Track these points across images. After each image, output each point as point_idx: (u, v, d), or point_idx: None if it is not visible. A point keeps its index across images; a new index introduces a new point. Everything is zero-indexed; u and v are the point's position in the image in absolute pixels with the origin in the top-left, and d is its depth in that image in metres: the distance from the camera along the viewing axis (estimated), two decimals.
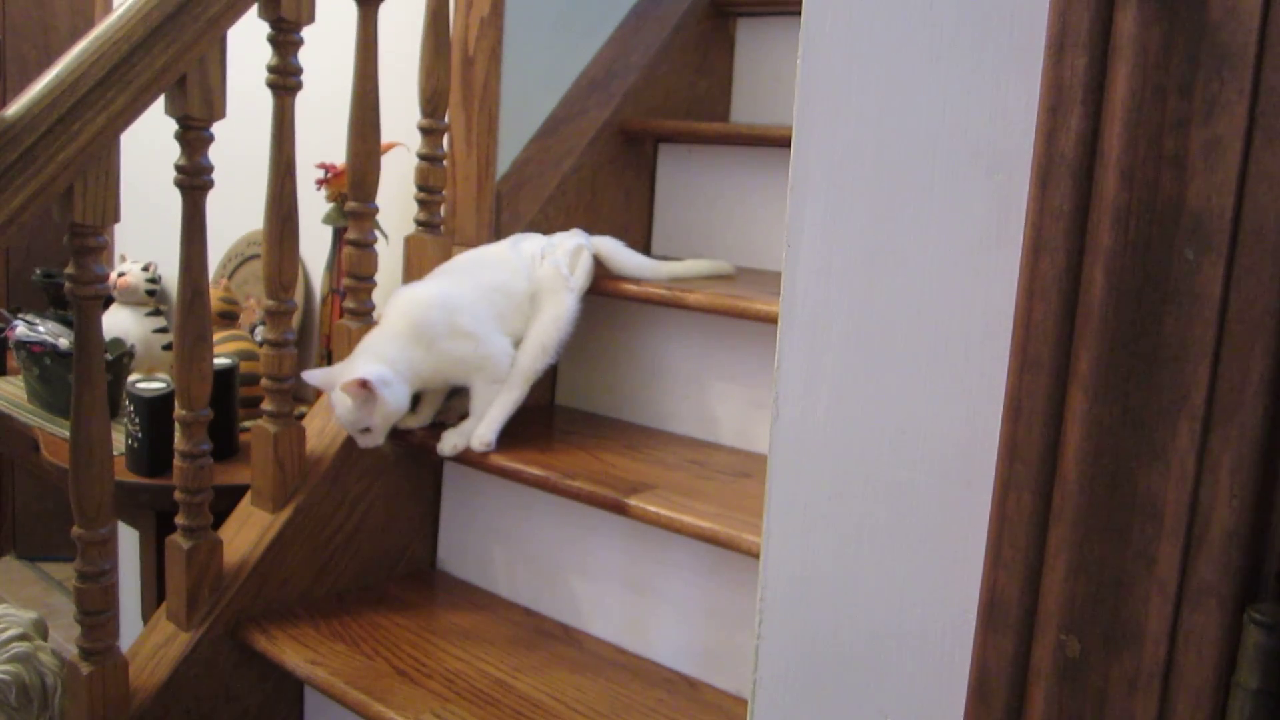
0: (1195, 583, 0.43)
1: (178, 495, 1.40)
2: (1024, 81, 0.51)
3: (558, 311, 1.50)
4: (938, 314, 0.54)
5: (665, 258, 1.84)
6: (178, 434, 1.40)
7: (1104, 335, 0.44)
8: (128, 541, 1.82)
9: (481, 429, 1.46)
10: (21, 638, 1.48)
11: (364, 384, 1.38)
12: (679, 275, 1.60)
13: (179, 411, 1.39)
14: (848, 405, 0.57)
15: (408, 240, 1.60)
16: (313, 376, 1.46)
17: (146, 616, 1.62)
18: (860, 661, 0.57)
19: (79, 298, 1.28)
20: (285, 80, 1.41)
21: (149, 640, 1.44)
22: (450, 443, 1.46)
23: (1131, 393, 0.44)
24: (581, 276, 1.54)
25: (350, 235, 1.53)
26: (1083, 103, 0.46)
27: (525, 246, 1.54)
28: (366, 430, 1.43)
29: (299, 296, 1.55)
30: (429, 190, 1.59)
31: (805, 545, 0.59)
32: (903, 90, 0.55)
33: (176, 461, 1.40)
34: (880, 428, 0.56)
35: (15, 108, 1.21)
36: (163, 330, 1.92)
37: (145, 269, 1.93)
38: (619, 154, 1.79)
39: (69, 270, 1.28)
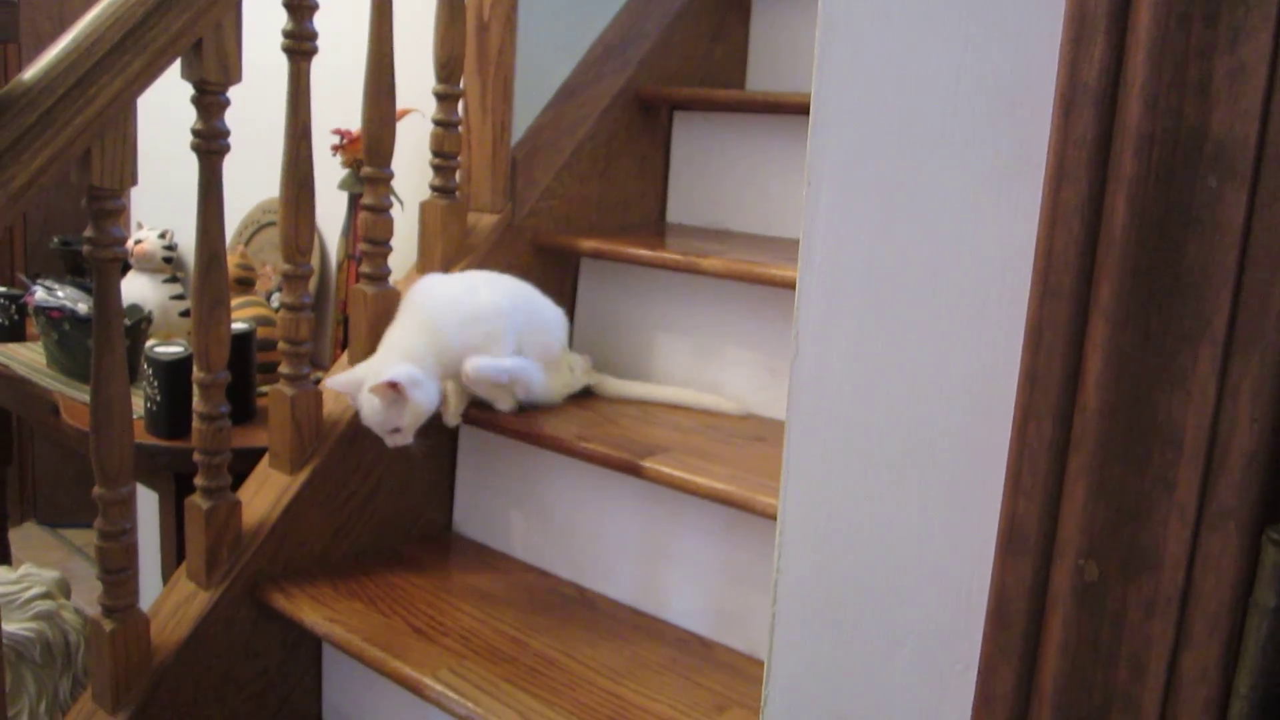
0: (1214, 506, 0.43)
1: (197, 457, 1.42)
2: (1046, 14, 0.51)
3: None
4: (958, 249, 0.54)
5: (680, 225, 1.84)
6: (196, 396, 1.41)
7: (1125, 263, 0.45)
8: (147, 505, 1.84)
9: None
10: (44, 596, 1.51)
11: (394, 385, 1.36)
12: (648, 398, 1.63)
13: (197, 374, 1.40)
14: (868, 341, 0.57)
15: (423, 206, 1.61)
16: (337, 382, 1.43)
17: (166, 578, 1.64)
18: (878, 593, 0.58)
19: (98, 260, 1.29)
20: (301, 45, 1.41)
21: (169, 599, 1.46)
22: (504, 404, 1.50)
23: (1153, 319, 0.44)
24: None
25: (366, 200, 1.53)
26: (1106, 31, 0.46)
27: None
28: (396, 430, 1.41)
29: (314, 263, 1.55)
30: (444, 156, 1.59)
31: (825, 479, 0.59)
32: (923, 25, 0.55)
33: (195, 423, 1.41)
34: (900, 362, 0.56)
35: (33, 71, 1.21)
36: (179, 297, 1.93)
37: (162, 236, 1.94)
38: (634, 121, 1.79)
39: (88, 233, 1.29)
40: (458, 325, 1.45)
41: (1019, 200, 0.52)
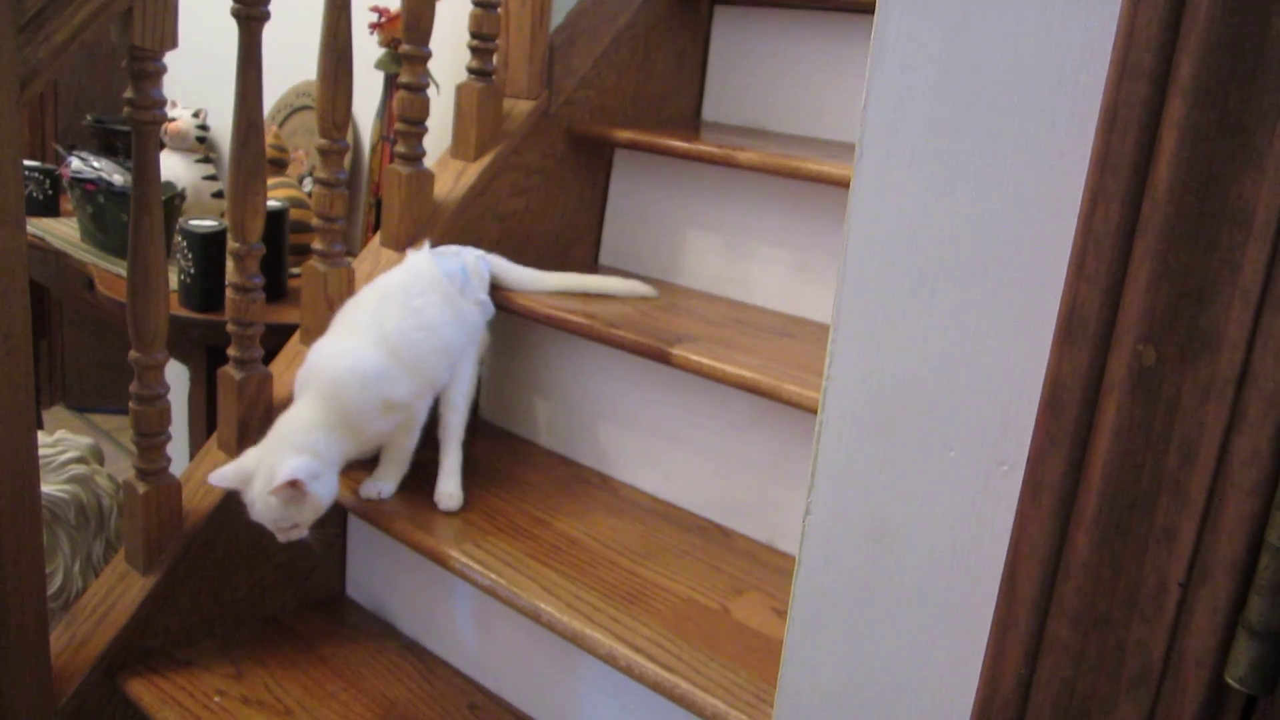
0: (1278, 288, 0.43)
1: (230, 328, 1.43)
2: None
3: (473, 334, 1.44)
4: (1033, 41, 0.52)
5: (716, 123, 1.82)
6: (230, 268, 1.43)
7: (1208, 39, 0.44)
8: (174, 383, 1.86)
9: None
10: (79, 460, 1.54)
11: (295, 484, 1.23)
12: (563, 288, 1.55)
13: (232, 245, 1.41)
14: (935, 141, 0.56)
15: (459, 88, 1.59)
16: (221, 477, 1.28)
17: (193, 453, 1.67)
18: (929, 395, 0.58)
19: (137, 122, 1.30)
20: None
21: (200, 468, 1.49)
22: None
23: (1231, 97, 0.44)
24: (484, 289, 1.47)
25: (403, 79, 1.52)
26: None
27: (439, 266, 1.42)
28: (294, 526, 1.28)
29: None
30: (482, 38, 1.57)
31: (881, 282, 0.59)
32: None
33: (229, 294, 1.43)
34: (965, 166, 0.55)
35: None
36: (212, 178, 1.93)
37: (195, 115, 1.94)
38: (674, 13, 1.76)
39: (127, 94, 1.29)
40: (367, 411, 1.32)
41: None
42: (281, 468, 1.23)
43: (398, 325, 1.34)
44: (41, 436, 1.60)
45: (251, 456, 1.28)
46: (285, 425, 1.30)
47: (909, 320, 0.59)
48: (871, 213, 0.59)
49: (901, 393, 0.59)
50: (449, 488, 1.39)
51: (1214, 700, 0.46)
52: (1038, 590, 0.50)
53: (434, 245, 1.54)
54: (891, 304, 0.59)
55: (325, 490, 1.28)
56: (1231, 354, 0.44)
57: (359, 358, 1.32)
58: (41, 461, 1.54)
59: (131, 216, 1.31)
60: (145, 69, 1.28)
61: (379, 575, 1.57)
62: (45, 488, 1.51)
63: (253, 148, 1.38)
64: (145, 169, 1.31)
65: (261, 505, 1.26)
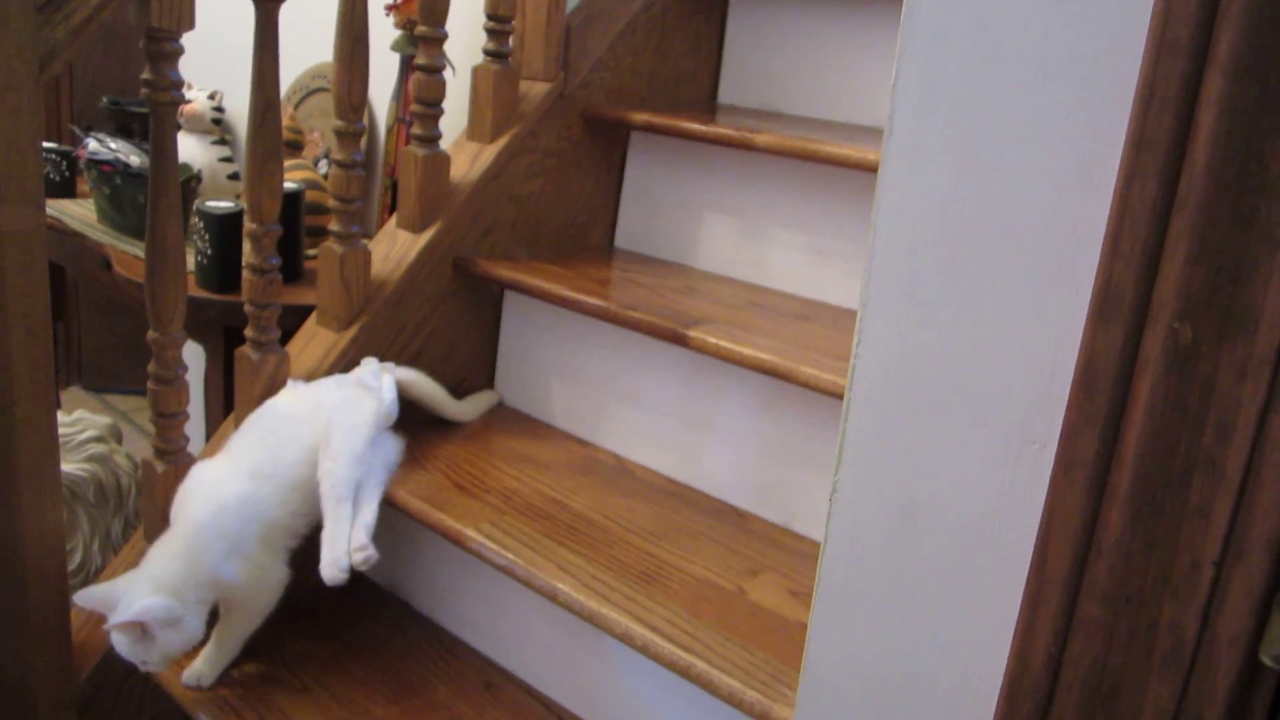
0: None
1: (247, 309, 1.44)
2: None
3: (359, 416, 1.35)
4: (1066, 21, 0.52)
5: (732, 106, 1.82)
6: (247, 249, 1.43)
7: (1247, 14, 0.43)
8: (192, 363, 1.87)
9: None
10: (98, 440, 1.55)
11: (139, 626, 1.18)
12: (473, 412, 1.58)
13: (249, 225, 1.42)
14: (966, 121, 0.56)
15: (475, 71, 1.59)
16: (89, 598, 1.22)
17: (209, 436, 1.68)
18: (959, 374, 0.58)
19: (155, 103, 1.30)
20: None
21: (217, 447, 1.49)
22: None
23: (1271, 73, 0.43)
24: (389, 390, 1.40)
25: (419, 60, 1.52)
26: None
27: (319, 393, 1.38)
28: (144, 663, 1.22)
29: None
30: (498, 19, 1.57)
31: (911, 263, 0.59)
32: None
33: (246, 275, 1.43)
34: (997, 144, 0.55)
35: None
36: (228, 160, 1.93)
37: (211, 97, 1.94)
38: None
39: (145, 75, 1.29)
40: (222, 554, 1.25)
41: None
42: (134, 604, 1.17)
43: (257, 441, 1.33)
44: (60, 416, 1.61)
45: (125, 579, 1.23)
46: (153, 553, 1.25)
47: (939, 298, 0.59)
48: (901, 190, 0.59)
49: (931, 371, 0.59)
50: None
51: (1247, 679, 0.46)
52: (1069, 568, 0.51)
53: (447, 228, 1.54)
54: (921, 282, 0.59)
55: (179, 639, 1.21)
56: (1269, 332, 0.44)
57: (222, 481, 1.28)
58: (60, 440, 1.55)
59: (149, 197, 1.32)
60: (163, 50, 1.28)
61: (394, 554, 1.58)
62: (65, 466, 1.52)
63: (270, 129, 1.38)
64: (163, 149, 1.31)
65: (115, 636, 1.20)
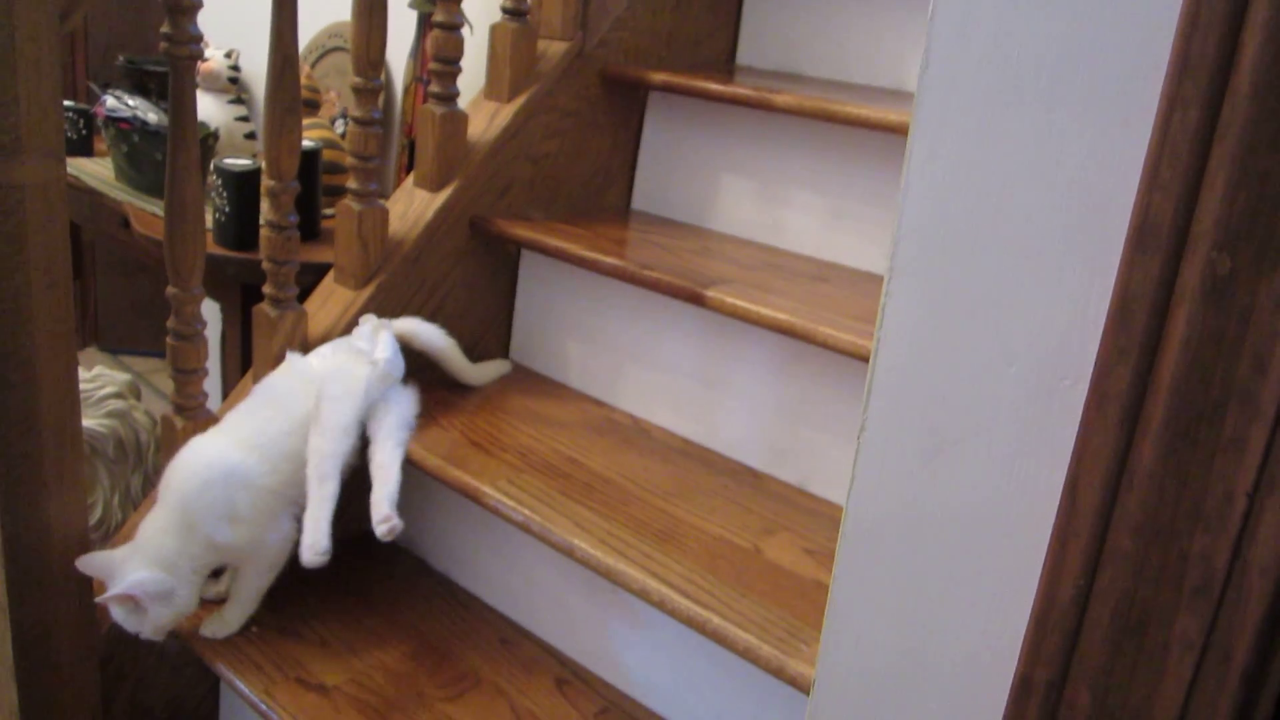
0: None
1: (265, 265, 1.44)
2: None
3: (348, 384, 1.33)
4: None
5: (750, 68, 1.80)
6: (265, 205, 1.43)
7: None
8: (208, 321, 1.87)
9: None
10: (117, 395, 1.56)
11: (130, 599, 1.22)
12: (482, 377, 1.55)
13: (267, 182, 1.42)
14: (1000, 51, 0.55)
15: (493, 29, 1.58)
16: (90, 565, 1.25)
17: (226, 394, 1.69)
18: (989, 311, 0.57)
19: (174, 57, 1.30)
20: None
21: (235, 405, 1.50)
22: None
23: None
24: (385, 349, 1.37)
25: (438, 18, 1.51)
26: None
27: (313, 362, 1.37)
28: (138, 634, 1.26)
29: None
30: None
31: (945, 200, 0.58)
32: None
33: (264, 232, 1.43)
34: (1031, 76, 0.54)
35: None
36: (244, 119, 1.93)
37: (228, 56, 1.93)
38: None
39: (165, 29, 1.29)
40: (218, 520, 1.26)
41: None
42: (127, 578, 1.21)
43: (248, 413, 1.33)
44: (80, 372, 1.62)
45: (122, 551, 1.26)
46: (144, 527, 1.27)
47: (970, 230, 0.58)
48: (937, 123, 0.58)
49: (963, 307, 0.59)
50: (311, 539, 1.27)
51: (1277, 610, 0.46)
52: (1100, 501, 0.51)
53: (465, 187, 1.54)
54: (955, 219, 0.59)
55: (169, 610, 1.24)
56: None
57: (212, 451, 1.29)
58: (81, 396, 1.56)
59: (169, 152, 1.32)
60: (181, 4, 1.27)
61: (410, 512, 1.59)
62: (85, 421, 1.52)
63: (288, 84, 1.37)
64: (182, 105, 1.31)
65: (110, 607, 1.24)
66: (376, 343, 1.39)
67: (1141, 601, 0.50)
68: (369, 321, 1.43)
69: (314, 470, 1.30)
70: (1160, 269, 0.47)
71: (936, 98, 0.57)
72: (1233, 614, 0.47)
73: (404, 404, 1.40)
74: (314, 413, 1.32)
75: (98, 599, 1.24)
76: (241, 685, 1.28)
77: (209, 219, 1.64)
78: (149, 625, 1.24)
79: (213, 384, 1.96)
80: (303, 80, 1.80)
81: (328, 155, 1.73)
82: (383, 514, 1.28)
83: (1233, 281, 0.45)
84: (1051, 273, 0.55)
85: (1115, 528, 0.50)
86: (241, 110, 1.93)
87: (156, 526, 1.26)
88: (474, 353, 1.65)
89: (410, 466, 1.38)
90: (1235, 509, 0.47)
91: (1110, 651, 0.51)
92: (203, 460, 1.28)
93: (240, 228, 1.60)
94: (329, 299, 1.53)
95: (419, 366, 1.49)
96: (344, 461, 1.32)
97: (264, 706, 1.26)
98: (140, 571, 1.22)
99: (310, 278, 1.55)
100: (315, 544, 1.25)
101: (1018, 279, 0.56)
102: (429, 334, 1.48)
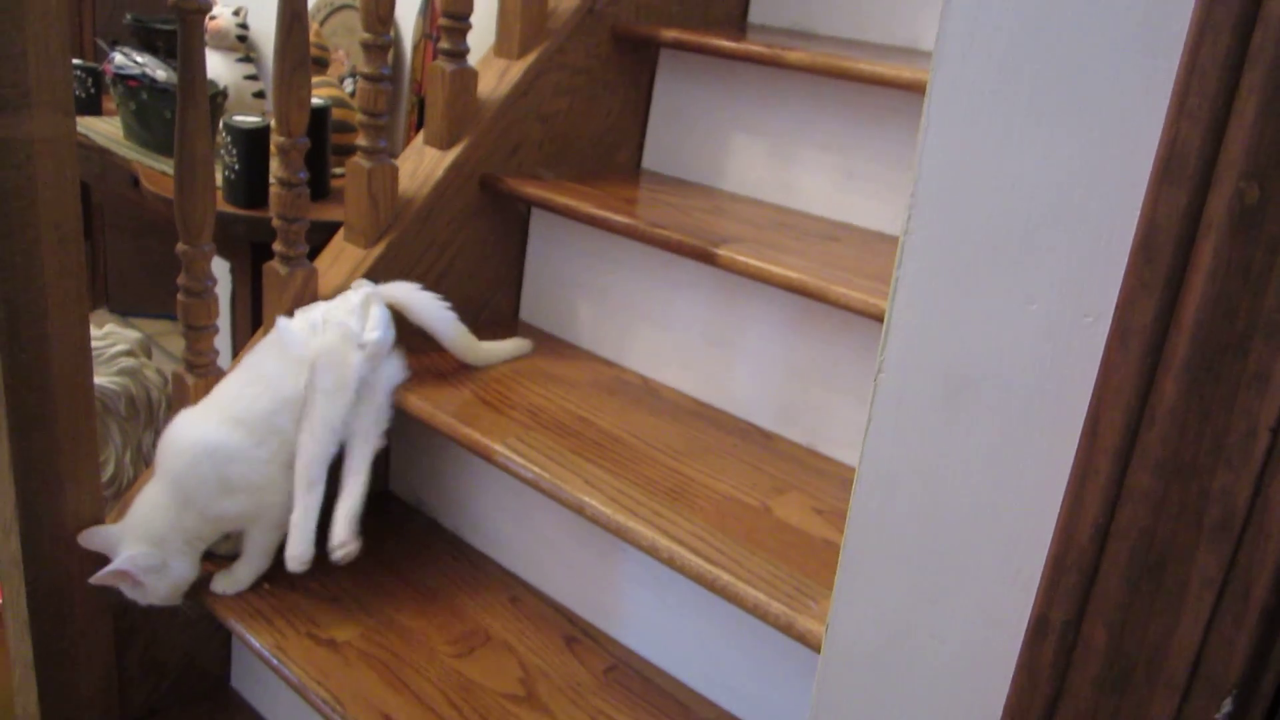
0: None
1: (275, 223, 1.43)
2: None
3: (340, 374, 1.30)
4: None
5: (762, 25, 1.78)
6: (275, 162, 1.42)
7: None
8: (219, 279, 1.87)
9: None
10: (128, 354, 1.56)
11: (125, 575, 1.25)
12: (488, 358, 1.49)
13: (277, 139, 1.41)
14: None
15: None
16: (92, 539, 1.28)
17: (235, 352, 1.69)
18: (1009, 248, 0.57)
19: (183, 11, 1.28)
20: None
21: None
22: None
23: None
24: (376, 328, 1.33)
25: None
26: None
27: (302, 331, 1.32)
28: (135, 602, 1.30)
29: None
30: None
31: (966, 130, 0.57)
32: None
33: (274, 189, 1.42)
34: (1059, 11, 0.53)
35: None
36: (253, 78, 1.92)
37: (236, 13, 1.92)
38: None
39: None
40: (212, 495, 1.28)
41: None
42: (121, 553, 1.25)
43: (237, 388, 1.32)
44: (91, 330, 1.62)
45: (119, 527, 1.29)
46: (138, 502, 1.29)
47: (993, 168, 0.58)
48: (960, 58, 0.57)
49: (982, 244, 0.58)
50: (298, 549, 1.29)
51: None
52: (1120, 438, 0.50)
53: (475, 145, 1.53)
54: (976, 151, 0.58)
55: (166, 582, 1.27)
56: None
57: (199, 426, 1.29)
58: (92, 354, 1.56)
59: (178, 108, 1.31)
60: None
61: (419, 470, 1.59)
62: (96, 379, 1.53)
63: (297, 39, 1.36)
64: (191, 60, 1.30)
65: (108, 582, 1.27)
66: (366, 319, 1.34)
67: (1161, 539, 0.50)
68: (360, 288, 1.38)
69: (300, 471, 1.30)
70: (1187, 200, 0.46)
71: (960, 34, 0.56)
72: (1253, 551, 0.47)
73: (386, 383, 1.36)
74: (305, 400, 1.30)
75: (90, 579, 1.27)
76: (253, 640, 1.29)
77: (218, 177, 1.63)
78: (149, 596, 1.28)
79: (223, 341, 1.96)
80: (311, 38, 1.78)
81: (337, 114, 1.72)
82: (340, 539, 1.28)
83: (1261, 211, 0.45)
84: (1074, 207, 0.54)
85: (1135, 465, 0.50)
86: (250, 69, 1.92)
87: (149, 502, 1.29)
88: (484, 313, 1.65)
89: (420, 425, 1.38)
90: (1258, 445, 0.46)
91: (1128, 590, 0.51)
92: (189, 438, 1.29)
93: (250, 185, 1.60)
94: (339, 257, 1.52)
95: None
96: (331, 459, 1.32)
97: (275, 661, 1.27)
98: (133, 547, 1.26)
99: (320, 236, 1.55)
100: (300, 555, 1.27)
101: (1039, 214, 0.56)
102: (426, 307, 1.43)
